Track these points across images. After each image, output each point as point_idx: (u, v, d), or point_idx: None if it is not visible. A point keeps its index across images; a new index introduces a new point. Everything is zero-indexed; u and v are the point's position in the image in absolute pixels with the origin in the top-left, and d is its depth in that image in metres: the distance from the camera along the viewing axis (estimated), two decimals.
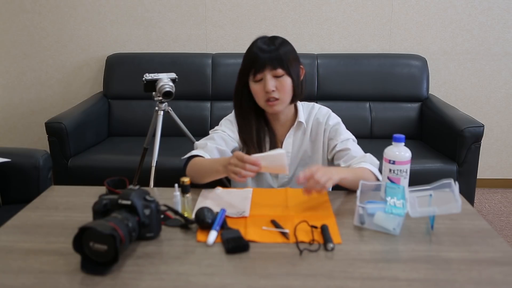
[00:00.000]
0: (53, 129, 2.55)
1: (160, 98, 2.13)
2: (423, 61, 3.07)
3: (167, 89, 2.08)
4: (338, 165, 1.49)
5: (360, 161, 1.43)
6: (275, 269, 0.96)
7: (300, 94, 1.51)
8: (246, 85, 1.48)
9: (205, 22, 3.15)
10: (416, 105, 3.05)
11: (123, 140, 2.94)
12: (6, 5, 3.11)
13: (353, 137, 1.56)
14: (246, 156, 1.20)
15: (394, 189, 1.17)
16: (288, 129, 1.57)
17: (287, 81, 1.45)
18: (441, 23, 3.12)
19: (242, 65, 1.49)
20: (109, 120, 3.06)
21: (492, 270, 0.96)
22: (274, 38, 1.49)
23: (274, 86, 1.43)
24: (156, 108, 2.19)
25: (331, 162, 1.56)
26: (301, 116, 1.55)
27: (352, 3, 3.10)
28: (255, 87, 1.46)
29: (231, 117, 1.59)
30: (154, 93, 2.15)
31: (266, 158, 1.22)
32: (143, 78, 2.14)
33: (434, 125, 2.85)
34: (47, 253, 1.01)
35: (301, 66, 1.51)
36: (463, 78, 3.21)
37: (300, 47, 3.22)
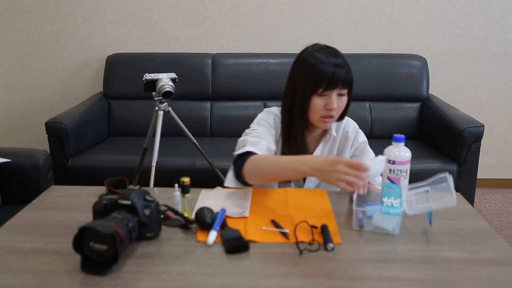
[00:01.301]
0: (53, 129, 2.55)
1: (160, 98, 2.13)
2: (423, 61, 3.07)
3: (167, 89, 2.08)
4: None
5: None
6: (275, 269, 0.96)
7: (347, 111, 1.48)
8: (308, 98, 1.39)
9: (205, 22, 3.15)
10: (416, 105, 3.05)
11: (123, 140, 2.94)
12: (6, 5, 3.11)
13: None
14: (361, 164, 1.09)
15: (391, 188, 1.17)
16: (317, 141, 1.54)
17: (345, 100, 1.42)
18: (441, 23, 3.12)
19: (304, 78, 1.39)
20: (109, 120, 3.06)
21: (492, 270, 0.96)
22: (335, 50, 1.41)
23: (336, 104, 1.39)
24: (156, 108, 2.19)
25: None
26: (333, 130, 1.52)
27: (352, 3, 3.10)
28: (316, 101, 1.38)
29: (268, 118, 1.50)
30: (154, 93, 2.15)
31: (374, 165, 1.14)
32: (143, 78, 2.14)
33: (434, 125, 2.85)
34: (47, 253, 1.01)
35: None
36: (463, 78, 3.21)
37: (300, 47, 3.22)
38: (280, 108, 1.52)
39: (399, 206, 1.10)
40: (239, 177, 1.31)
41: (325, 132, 1.53)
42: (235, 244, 1.03)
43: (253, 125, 1.49)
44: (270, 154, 1.38)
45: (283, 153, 1.48)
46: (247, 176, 1.28)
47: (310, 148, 1.53)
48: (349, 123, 1.58)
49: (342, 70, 1.36)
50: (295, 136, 1.46)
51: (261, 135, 1.41)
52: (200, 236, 1.08)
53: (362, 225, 1.13)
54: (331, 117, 1.41)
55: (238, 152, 1.34)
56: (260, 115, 1.53)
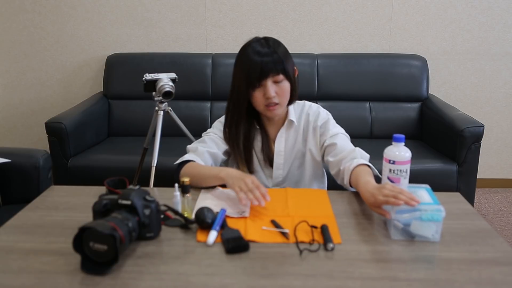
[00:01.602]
0: (53, 129, 2.55)
1: (160, 98, 2.13)
2: (423, 61, 3.07)
3: (167, 89, 2.08)
4: (327, 161, 1.50)
5: (352, 158, 1.42)
6: (275, 269, 0.96)
7: (295, 95, 1.51)
8: (244, 92, 1.45)
9: (205, 22, 3.15)
10: (416, 105, 3.05)
11: (123, 140, 2.94)
12: (6, 5, 3.11)
13: (343, 130, 1.56)
14: (262, 187, 1.23)
15: (418, 191, 1.15)
16: (279, 128, 1.56)
17: (286, 85, 1.44)
18: (441, 23, 3.12)
19: (239, 72, 1.46)
20: (109, 120, 3.06)
21: (492, 270, 0.96)
22: (269, 40, 1.46)
23: (275, 91, 1.43)
24: (156, 108, 2.19)
25: (322, 159, 1.57)
26: (292, 115, 1.55)
27: (352, 3, 3.10)
28: (255, 94, 1.44)
29: (223, 119, 1.58)
30: (154, 93, 2.15)
31: None
32: (143, 78, 2.14)
33: (434, 125, 2.85)
34: (47, 253, 1.01)
35: (295, 67, 1.51)
36: (463, 78, 3.21)
37: (300, 47, 3.25)
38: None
39: (440, 211, 1.07)
40: (179, 183, 1.35)
41: (285, 118, 1.56)
42: (235, 244, 1.03)
43: (209, 129, 1.59)
44: (211, 157, 1.49)
45: (232, 149, 1.54)
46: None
47: (270, 134, 1.57)
48: (311, 108, 1.60)
49: (268, 58, 1.40)
50: (249, 125, 1.52)
51: (205, 140, 1.53)
52: (200, 236, 1.08)
53: (404, 234, 1.09)
54: (275, 104, 1.44)
55: (176, 162, 1.48)
56: (219, 119, 1.61)
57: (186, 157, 1.47)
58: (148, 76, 2.14)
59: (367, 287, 0.90)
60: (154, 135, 2.19)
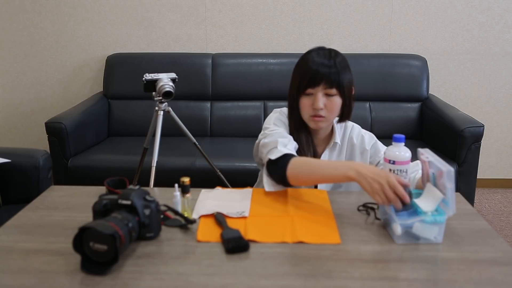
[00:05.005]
0: (53, 129, 2.55)
1: (160, 98, 2.13)
2: (423, 61, 3.07)
3: (167, 89, 2.08)
4: None
5: (416, 170, 1.38)
6: (275, 269, 0.96)
7: (348, 115, 1.47)
8: (295, 97, 1.42)
9: (205, 22, 3.15)
10: (416, 105, 3.05)
11: (123, 140, 2.94)
12: (6, 5, 3.11)
13: None
14: (398, 188, 1.09)
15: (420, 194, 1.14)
16: (323, 146, 1.53)
17: (338, 101, 1.40)
18: (441, 23, 3.12)
19: (295, 76, 1.42)
20: (109, 120, 3.06)
21: (492, 270, 0.96)
22: (331, 52, 1.41)
23: (324, 104, 1.38)
24: (156, 108, 2.19)
25: None
26: (337, 137, 1.51)
27: (352, 3, 3.10)
28: (303, 100, 1.40)
29: (282, 118, 1.50)
30: (154, 93, 2.15)
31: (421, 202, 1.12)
32: (143, 78, 2.13)
33: (434, 125, 2.85)
34: (47, 253, 1.01)
35: (353, 86, 1.45)
36: (463, 78, 3.21)
37: (300, 47, 3.24)
38: None
39: (441, 212, 1.06)
40: (282, 180, 1.29)
41: (330, 137, 1.52)
42: (235, 244, 1.03)
43: (270, 126, 1.46)
44: (298, 154, 1.38)
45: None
46: (292, 178, 1.27)
47: (318, 151, 1.53)
48: (353, 129, 1.56)
49: (326, 68, 1.36)
50: (299, 136, 1.46)
51: (286, 135, 1.42)
52: (201, 236, 1.08)
53: (408, 237, 1.07)
54: (322, 116, 1.40)
55: (274, 156, 1.32)
56: (272, 116, 1.52)
57: (285, 150, 1.32)
58: (148, 76, 2.14)
59: (367, 287, 0.90)
60: (154, 135, 2.19)
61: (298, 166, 1.28)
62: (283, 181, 1.30)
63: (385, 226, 1.14)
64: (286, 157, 1.30)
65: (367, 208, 1.23)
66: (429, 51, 3.15)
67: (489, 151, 3.29)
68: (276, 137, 1.39)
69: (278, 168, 1.30)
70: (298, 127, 1.47)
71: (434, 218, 1.04)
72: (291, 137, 1.43)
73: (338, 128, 1.54)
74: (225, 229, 1.10)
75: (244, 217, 1.18)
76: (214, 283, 0.90)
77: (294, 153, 1.35)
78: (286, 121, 1.49)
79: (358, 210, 1.23)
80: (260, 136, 1.47)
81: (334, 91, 1.38)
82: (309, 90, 1.38)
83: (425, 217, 1.05)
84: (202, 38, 3.17)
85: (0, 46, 3.18)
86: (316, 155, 1.51)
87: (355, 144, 1.54)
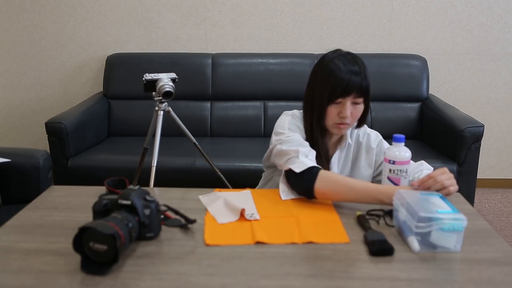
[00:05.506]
0: (53, 129, 2.55)
1: (160, 98, 2.13)
2: (423, 61, 3.07)
3: (167, 89, 2.08)
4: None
5: (420, 170, 1.40)
6: (275, 269, 0.96)
7: (365, 119, 1.48)
8: (322, 104, 1.39)
9: (205, 22, 3.15)
10: (416, 105, 3.05)
11: (123, 140, 2.94)
12: (6, 5, 3.11)
13: None
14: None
15: (430, 197, 1.10)
16: (334, 148, 1.53)
17: (361, 108, 1.41)
18: (441, 23, 3.12)
19: (321, 85, 1.38)
20: (109, 120, 3.06)
21: (492, 270, 0.96)
22: (355, 57, 1.40)
23: (350, 112, 1.38)
24: (156, 108, 2.19)
25: (375, 178, 1.55)
26: (349, 137, 1.52)
27: (352, 3, 3.10)
28: (330, 109, 1.38)
29: (297, 123, 1.47)
30: (154, 93, 2.15)
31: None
32: (143, 78, 2.14)
33: (434, 125, 2.85)
34: (47, 253, 1.01)
35: None
36: (463, 78, 3.21)
37: (300, 47, 3.25)
38: (301, 112, 1.50)
39: (462, 219, 1.01)
40: (307, 193, 1.27)
41: (340, 138, 1.52)
42: (380, 247, 1.02)
43: (285, 131, 1.43)
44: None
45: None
46: (320, 193, 1.25)
47: (329, 154, 1.52)
48: (360, 128, 1.56)
49: (357, 77, 1.35)
50: (317, 142, 1.44)
51: (304, 143, 1.39)
52: (209, 239, 1.07)
53: (425, 246, 1.03)
54: (345, 123, 1.40)
55: (299, 168, 1.28)
56: (286, 120, 1.48)
57: (310, 163, 1.29)
58: (148, 76, 2.14)
59: (367, 287, 0.90)
60: (154, 135, 2.19)
61: (329, 182, 1.25)
62: (308, 194, 1.27)
63: (399, 234, 1.11)
64: (313, 171, 1.27)
65: (373, 215, 1.20)
66: (429, 51, 3.15)
67: (489, 151, 3.29)
68: (295, 145, 1.35)
69: (304, 182, 1.27)
70: (320, 133, 1.45)
71: (452, 226, 1.01)
72: (308, 145, 1.40)
73: (357, 130, 1.55)
74: (369, 231, 1.08)
75: (249, 220, 1.17)
76: (214, 283, 0.90)
77: (318, 165, 1.31)
78: (300, 125, 1.47)
79: (368, 214, 1.20)
80: (274, 141, 1.43)
81: (361, 99, 1.39)
82: (339, 100, 1.37)
83: (442, 225, 1.01)
84: (202, 38, 3.17)
85: (0, 46, 3.18)
86: (328, 156, 1.50)
87: (361, 143, 1.55)
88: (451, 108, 2.84)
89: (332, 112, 1.39)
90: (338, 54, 1.40)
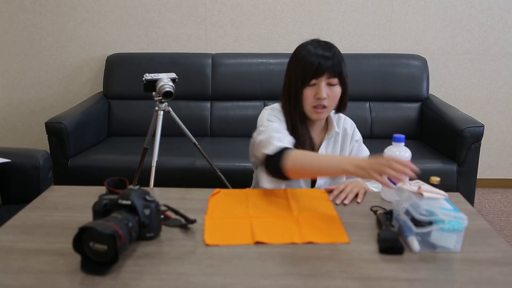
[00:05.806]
0: (53, 129, 2.55)
1: (160, 98, 2.12)
2: (423, 61, 3.07)
3: (167, 89, 2.07)
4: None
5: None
6: (275, 269, 0.96)
7: (345, 105, 1.51)
8: (299, 89, 1.43)
9: (205, 22, 3.15)
10: (416, 105, 3.05)
11: (123, 140, 2.94)
12: (6, 5, 3.11)
13: (367, 153, 1.61)
14: (393, 163, 1.10)
15: (433, 201, 1.09)
16: (320, 137, 1.56)
17: (338, 90, 1.44)
18: (441, 23, 3.12)
19: (295, 70, 1.44)
20: (109, 120, 3.06)
21: (492, 270, 0.96)
22: (328, 44, 1.46)
23: (327, 94, 1.41)
24: (156, 108, 2.19)
25: None
26: (336, 126, 1.55)
27: (352, 3, 3.10)
28: (306, 92, 1.42)
29: (276, 114, 1.49)
30: (154, 93, 2.15)
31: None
32: (143, 78, 2.13)
33: (434, 125, 2.85)
34: (47, 253, 1.01)
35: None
36: (463, 78, 3.21)
37: None
38: (280, 103, 1.53)
39: (462, 220, 1.02)
40: (280, 172, 1.29)
41: (327, 128, 1.56)
42: (389, 245, 1.02)
43: (264, 123, 1.46)
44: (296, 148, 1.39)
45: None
46: (290, 170, 1.27)
47: (316, 144, 1.54)
48: (346, 121, 1.61)
49: (328, 60, 1.40)
50: (298, 129, 1.47)
51: (280, 129, 1.42)
52: (209, 239, 1.07)
53: (425, 246, 1.03)
54: (323, 107, 1.43)
55: (271, 150, 1.32)
56: (264, 113, 1.51)
57: (282, 144, 1.33)
58: (148, 76, 2.14)
59: (367, 287, 0.90)
60: (154, 135, 2.19)
61: (296, 158, 1.28)
62: (281, 174, 1.30)
63: (399, 234, 1.10)
64: (283, 150, 1.30)
65: (376, 212, 1.21)
66: (429, 51, 3.15)
67: (489, 151, 3.29)
68: (270, 133, 1.39)
69: (275, 162, 1.30)
70: (299, 120, 1.48)
71: (452, 226, 1.01)
72: (286, 131, 1.43)
73: (335, 118, 1.57)
74: (383, 228, 1.09)
75: (249, 217, 1.17)
76: (214, 283, 0.90)
77: (291, 146, 1.35)
78: (280, 116, 1.50)
79: (371, 210, 1.22)
80: (254, 134, 1.47)
81: (336, 80, 1.42)
82: (313, 81, 1.41)
83: (442, 225, 1.01)
84: (202, 38, 3.17)
85: (0, 46, 3.18)
86: (314, 147, 1.52)
87: (348, 135, 1.58)
88: (451, 108, 2.84)
89: (308, 94, 1.42)
90: (311, 40, 1.49)
